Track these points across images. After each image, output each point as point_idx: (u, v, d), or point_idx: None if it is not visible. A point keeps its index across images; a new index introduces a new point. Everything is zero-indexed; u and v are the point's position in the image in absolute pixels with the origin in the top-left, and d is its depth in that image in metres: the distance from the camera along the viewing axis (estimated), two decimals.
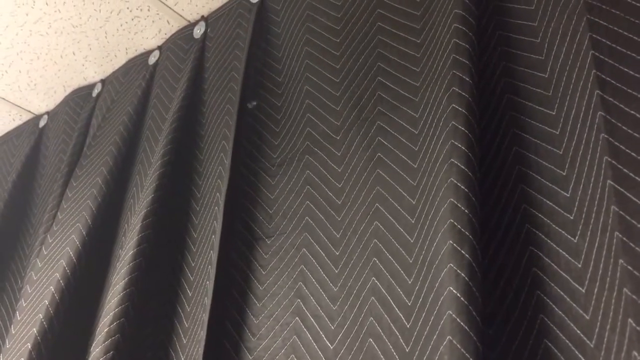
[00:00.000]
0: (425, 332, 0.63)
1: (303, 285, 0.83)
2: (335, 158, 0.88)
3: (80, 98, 1.49)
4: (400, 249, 0.72)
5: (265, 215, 0.94)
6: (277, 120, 1.02)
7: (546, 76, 0.70)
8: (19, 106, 1.59)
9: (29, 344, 0.99)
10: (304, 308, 0.81)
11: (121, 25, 1.30)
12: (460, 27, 0.76)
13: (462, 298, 0.59)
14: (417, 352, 0.63)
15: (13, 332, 1.06)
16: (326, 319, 0.78)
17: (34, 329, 1.00)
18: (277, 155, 0.98)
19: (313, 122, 0.95)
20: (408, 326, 0.66)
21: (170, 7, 1.25)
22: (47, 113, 1.59)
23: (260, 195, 0.97)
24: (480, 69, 0.76)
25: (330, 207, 0.86)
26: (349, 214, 0.83)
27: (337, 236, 0.82)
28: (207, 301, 0.87)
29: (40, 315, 1.01)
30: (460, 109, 0.69)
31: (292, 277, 0.85)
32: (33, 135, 1.56)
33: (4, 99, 1.55)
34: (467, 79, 0.71)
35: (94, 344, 0.91)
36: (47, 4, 1.25)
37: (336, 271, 0.80)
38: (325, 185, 0.88)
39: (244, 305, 0.88)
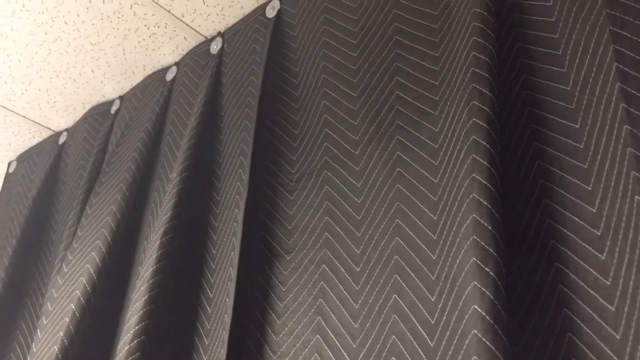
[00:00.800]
0: (450, 352, 0.61)
1: (323, 302, 0.82)
2: (354, 173, 0.88)
3: (99, 115, 1.50)
4: (422, 265, 0.71)
5: (284, 231, 0.94)
6: (295, 136, 1.01)
7: (569, 89, 0.69)
8: (38, 123, 1.60)
9: None
10: (324, 325, 0.80)
11: (139, 43, 1.31)
12: (479, 40, 0.75)
13: (487, 317, 0.57)
14: None
15: (34, 350, 1.07)
16: (347, 337, 0.77)
17: (55, 347, 1.00)
18: (295, 171, 0.98)
19: (331, 137, 0.94)
20: (432, 345, 0.65)
21: (187, 24, 1.26)
22: (67, 130, 1.60)
23: (278, 211, 0.96)
24: (500, 82, 0.75)
25: (350, 222, 0.85)
26: (369, 229, 0.82)
27: (358, 252, 0.82)
28: (227, 319, 0.87)
29: (61, 333, 1.02)
30: (481, 123, 0.69)
31: (312, 294, 0.85)
32: (53, 152, 1.57)
33: (24, 117, 1.57)
34: (488, 93, 0.70)
35: None
36: (66, 22, 1.26)
37: (357, 288, 0.79)
38: (345, 200, 0.87)
39: (264, 323, 0.88)
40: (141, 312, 0.93)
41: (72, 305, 1.04)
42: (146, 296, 0.94)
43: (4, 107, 1.53)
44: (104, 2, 1.21)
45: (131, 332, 0.91)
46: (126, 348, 0.90)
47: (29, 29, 1.28)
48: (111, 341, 1.05)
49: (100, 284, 1.07)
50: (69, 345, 1.01)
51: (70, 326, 1.02)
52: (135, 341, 0.90)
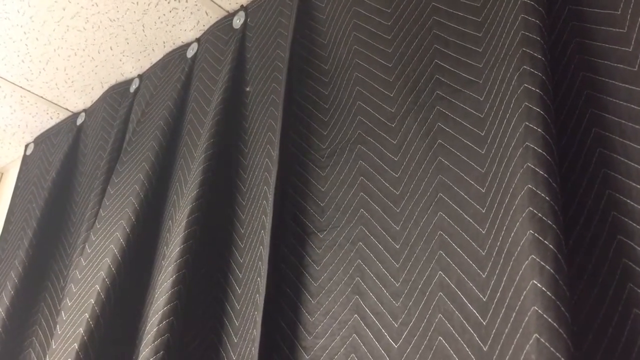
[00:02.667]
0: (506, 330, 0.58)
1: (361, 281, 0.79)
2: (391, 147, 0.84)
3: (118, 94, 1.47)
4: (470, 240, 0.67)
5: (317, 209, 0.90)
6: (325, 110, 0.97)
7: (630, 50, 0.64)
8: (56, 104, 1.58)
9: (75, 344, 0.97)
10: (363, 305, 0.77)
11: (159, 18, 1.28)
12: (528, 1, 0.70)
13: (548, 292, 0.54)
14: (497, 352, 0.58)
15: (59, 332, 1.04)
16: (388, 316, 0.73)
17: (81, 329, 0.98)
18: (326, 146, 0.94)
19: (365, 110, 0.90)
20: (484, 323, 0.61)
21: None
22: (85, 110, 1.57)
23: (310, 188, 0.93)
24: (550, 45, 0.71)
25: (387, 198, 0.81)
26: (408, 205, 0.78)
27: (397, 229, 0.78)
28: (260, 299, 0.84)
29: (87, 315, 0.99)
30: (533, 88, 0.64)
31: (348, 273, 0.81)
32: (71, 133, 1.54)
33: (42, 97, 1.54)
34: (539, 56, 0.66)
35: (143, 344, 0.88)
36: None
37: (397, 265, 0.75)
38: (381, 175, 0.84)
39: (298, 303, 0.84)
40: (169, 292, 0.90)
41: (97, 287, 1.02)
42: (174, 276, 0.91)
43: (21, 87, 1.50)
44: None
45: (159, 312, 0.89)
46: (155, 329, 0.87)
47: (47, 4, 1.24)
48: (137, 322, 1.03)
49: (124, 264, 1.04)
50: (95, 326, 0.98)
51: (96, 307, 0.99)
52: (164, 322, 0.87)
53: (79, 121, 1.56)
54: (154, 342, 0.86)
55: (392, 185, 0.81)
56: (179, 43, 1.35)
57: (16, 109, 1.58)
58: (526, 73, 0.66)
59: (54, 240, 1.39)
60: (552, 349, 0.51)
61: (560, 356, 0.50)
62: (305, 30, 1.07)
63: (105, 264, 1.04)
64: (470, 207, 0.69)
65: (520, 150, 0.62)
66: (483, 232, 0.66)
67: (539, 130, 0.62)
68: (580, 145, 0.66)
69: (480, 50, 0.78)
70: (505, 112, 0.68)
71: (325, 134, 0.95)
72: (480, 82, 0.76)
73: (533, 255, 0.56)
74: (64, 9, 1.25)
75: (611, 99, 0.64)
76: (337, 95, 0.97)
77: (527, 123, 0.63)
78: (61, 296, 1.28)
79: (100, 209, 1.18)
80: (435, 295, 0.69)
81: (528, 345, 0.53)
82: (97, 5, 1.24)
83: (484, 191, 0.69)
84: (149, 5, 1.24)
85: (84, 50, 1.37)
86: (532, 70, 0.65)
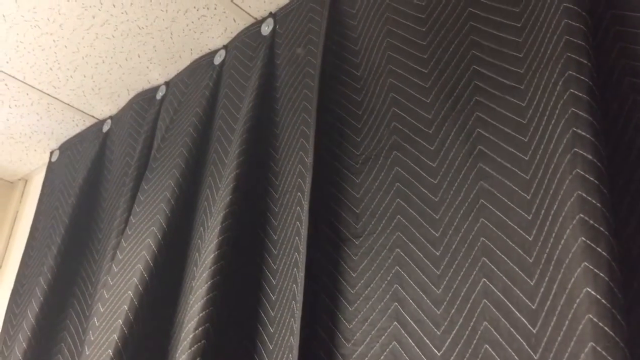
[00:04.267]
0: (559, 338, 0.57)
1: (400, 288, 0.78)
2: (429, 153, 0.83)
3: (144, 101, 1.47)
4: (516, 247, 0.67)
5: (352, 215, 0.90)
6: (359, 116, 0.97)
7: None
8: (82, 111, 1.59)
9: (110, 350, 0.97)
10: (402, 312, 0.76)
11: (187, 25, 1.28)
12: (571, 6, 0.70)
13: (603, 300, 0.53)
14: None
15: (92, 339, 1.05)
16: (430, 323, 0.73)
17: (115, 335, 0.98)
18: (360, 152, 0.94)
19: (400, 116, 0.90)
20: (534, 331, 0.61)
21: (237, 5, 1.23)
22: (110, 117, 1.58)
23: (344, 194, 0.92)
24: (594, 50, 0.70)
25: (426, 204, 0.81)
26: (448, 211, 0.77)
27: (437, 235, 0.77)
28: (297, 306, 0.83)
29: (120, 321, 0.99)
30: (580, 94, 0.64)
31: (386, 280, 0.81)
32: (97, 140, 1.55)
33: (68, 104, 1.55)
34: (585, 62, 0.66)
35: (179, 351, 0.88)
36: (114, 5, 1.23)
37: (438, 272, 0.75)
38: (418, 181, 0.83)
39: (335, 310, 0.84)
40: (205, 299, 0.90)
41: (130, 293, 1.02)
42: (209, 283, 0.91)
43: (49, 95, 1.51)
44: None
45: (195, 319, 0.89)
46: (191, 335, 0.87)
47: (77, 12, 1.25)
48: (170, 328, 1.03)
49: (157, 270, 1.05)
50: (129, 333, 0.98)
51: (129, 314, 1.00)
52: (200, 328, 0.88)
53: (105, 128, 1.57)
54: (190, 348, 0.86)
55: (430, 192, 0.81)
56: (206, 50, 1.36)
57: (42, 116, 1.59)
58: (572, 79, 0.65)
59: (81, 247, 1.40)
60: (609, 357, 0.51)
61: None
62: (336, 36, 1.07)
63: (137, 270, 1.05)
64: (515, 214, 0.69)
65: (569, 156, 0.62)
66: (530, 239, 0.66)
67: (587, 136, 0.61)
68: (627, 151, 0.65)
69: (521, 56, 0.77)
70: (551, 118, 0.68)
71: (359, 140, 0.95)
72: (522, 87, 0.75)
73: (586, 263, 0.55)
74: (93, 17, 1.26)
75: None
76: (370, 101, 0.96)
77: (574, 129, 0.62)
78: (90, 302, 1.29)
79: (131, 216, 1.18)
80: (479, 303, 0.68)
81: (583, 354, 0.53)
82: (126, 14, 1.25)
83: (529, 198, 0.68)
84: (177, 12, 1.25)
85: (112, 57, 1.38)
86: (578, 75, 0.65)
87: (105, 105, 1.55)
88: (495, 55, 0.80)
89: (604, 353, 0.51)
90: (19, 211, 1.87)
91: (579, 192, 0.59)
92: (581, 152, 0.61)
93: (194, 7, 1.23)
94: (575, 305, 0.56)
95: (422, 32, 0.92)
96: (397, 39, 0.96)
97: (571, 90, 0.65)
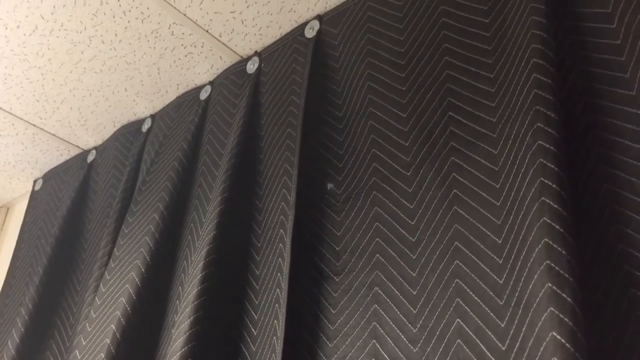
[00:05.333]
0: None
1: (377, 326, 0.81)
2: (407, 195, 0.87)
3: (129, 133, 1.50)
4: (488, 290, 0.70)
5: (332, 253, 0.93)
6: (340, 156, 1.01)
7: (639, 112, 0.68)
8: (67, 141, 1.60)
9: None
10: (380, 350, 0.79)
11: (174, 62, 1.32)
12: (540, 62, 0.74)
13: (567, 345, 0.56)
14: None
15: None
16: None
17: None
18: (341, 191, 0.97)
19: (380, 157, 0.94)
20: None
21: (224, 43, 1.26)
22: (95, 148, 1.60)
23: (326, 232, 0.95)
24: (562, 103, 0.75)
25: (404, 244, 0.84)
26: (425, 252, 0.81)
27: (414, 275, 0.81)
28: (278, 342, 0.86)
29: (102, 355, 1.00)
30: (547, 145, 0.68)
31: (365, 317, 0.83)
32: (82, 170, 1.57)
33: (53, 134, 1.57)
34: (553, 115, 0.70)
35: None
36: (103, 42, 1.26)
37: (414, 312, 0.78)
38: (397, 222, 0.87)
39: (315, 347, 0.86)
40: (187, 334, 0.91)
41: (113, 326, 1.03)
42: (192, 317, 0.93)
43: (34, 125, 1.53)
44: (142, 21, 1.21)
45: (178, 354, 0.90)
46: None
47: (65, 47, 1.28)
48: None
49: (140, 304, 1.06)
50: None
51: (111, 347, 1.01)
52: None
53: (90, 158, 1.58)
54: None
55: (408, 232, 0.84)
56: (192, 85, 1.39)
57: (27, 145, 1.61)
58: (540, 131, 0.70)
59: (63, 277, 1.40)
60: None
61: None
62: (319, 77, 1.11)
63: (120, 303, 1.06)
64: (487, 257, 0.72)
65: (537, 205, 0.66)
66: (500, 282, 0.69)
67: (554, 186, 0.65)
68: (591, 200, 0.69)
69: (493, 105, 0.82)
70: (520, 166, 0.72)
71: (340, 179, 0.99)
72: (495, 135, 0.79)
73: (552, 308, 0.59)
74: (82, 52, 1.29)
75: (622, 157, 0.68)
76: (351, 142, 1.00)
77: (542, 179, 0.66)
78: (70, 333, 1.29)
79: (115, 248, 1.20)
80: (453, 343, 0.71)
81: None
82: (115, 49, 1.28)
83: (500, 242, 0.72)
84: (165, 49, 1.28)
85: (99, 91, 1.41)
86: (546, 128, 0.69)
87: (91, 136, 1.58)
88: (470, 103, 0.85)
89: None
90: (0, 239, 1.87)
91: (546, 240, 0.63)
92: (548, 201, 0.65)
93: (182, 45, 1.27)
94: (542, 348, 0.59)
95: (401, 78, 0.96)
96: (377, 83, 1.00)
97: (539, 142, 0.69)
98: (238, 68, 1.30)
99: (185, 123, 1.33)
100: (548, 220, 0.63)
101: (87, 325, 1.11)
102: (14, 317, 1.42)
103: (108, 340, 1.02)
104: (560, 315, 0.58)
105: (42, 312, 1.35)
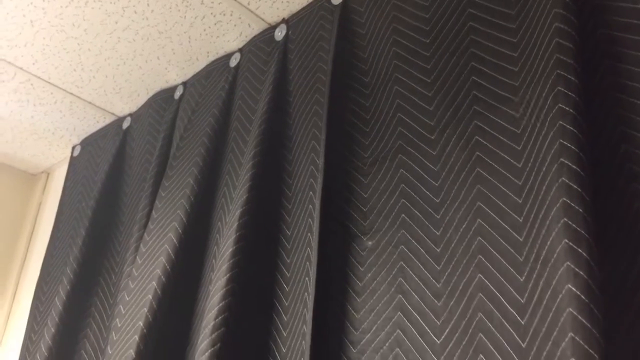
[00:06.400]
0: (544, 329, 0.64)
1: (404, 281, 0.86)
2: (431, 157, 0.90)
3: (162, 100, 1.55)
4: (508, 247, 0.74)
5: (360, 213, 0.97)
6: (367, 121, 1.04)
7: None
8: (103, 109, 1.66)
9: (136, 335, 1.05)
10: (406, 303, 0.84)
11: (204, 30, 1.35)
12: (562, 26, 0.76)
13: (582, 296, 0.60)
14: (535, 348, 0.65)
15: (119, 325, 1.13)
16: (431, 314, 0.80)
17: (140, 322, 1.07)
18: (368, 155, 1.01)
19: (405, 122, 0.97)
20: (523, 322, 0.68)
21: (252, 11, 1.29)
22: (130, 115, 1.66)
23: (353, 194, 1.00)
24: (582, 67, 0.77)
25: (428, 205, 0.88)
26: (448, 212, 0.85)
27: (437, 234, 0.85)
28: (309, 297, 0.91)
29: (145, 309, 1.08)
30: (567, 108, 0.71)
31: (392, 274, 0.88)
32: (117, 136, 1.63)
33: (90, 102, 1.63)
34: (573, 79, 0.72)
35: (200, 337, 0.96)
36: (135, 12, 1.30)
37: (438, 268, 0.82)
38: (422, 183, 0.90)
39: (344, 301, 0.92)
40: (224, 289, 0.98)
41: (154, 283, 1.10)
42: (227, 275, 0.99)
43: (72, 94, 1.59)
44: None
45: (215, 309, 0.97)
46: (212, 323, 0.95)
47: (100, 18, 1.32)
48: (191, 316, 1.11)
49: (178, 263, 1.13)
50: (153, 320, 1.07)
51: (153, 302, 1.08)
52: (220, 317, 0.95)
53: (125, 125, 1.64)
54: (211, 335, 0.94)
55: (432, 193, 0.88)
56: (222, 53, 1.43)
57: (65, 113, 1.67)
58: (561, 94, 0.72)
59: (105, 238, 1.48)
60: (586, 346, 0.58)
61: (593, 353, 0.57)
62: (345, 44, 1.13)
63: (160, 262, 1.13)
64: (508, 216, 0.76)
65: (556, 165, 0.69)
66: (520, 239, 0.73)
67: (572, 147, 0.68)
68: (610, 160, 0.72)
69: (516, 70, 0.84)
70: (541, 129, 0.75)
71: (367, 143, 1.02)
72: (517, 99, 0.82)
73: (568, 262, 0.63)
74: (116, 22, 1.34)
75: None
76: (377, 107, 1.03)
77: (561, 141, 0.69)
78: (114, 291, 1.38)
79: (153, 211, 1.26)
80: (475, 296, 0.76)
81: (564, 343, 0.60)
82: (147, 19, 1.32)
83: (520, 202, 0.75)
84: (195, 18, 1.32)
85: (132, 59, 1.45)
86: (566, 91, 0.72)
87: (125, 103, 1.63)
88: (493, 68, 0.87)
89: (581, 342, 0.58)
90: (42, 202, 1.96)
91: (564, 199, 0.66)
92: (567, 162, 0.68)
93: (211, 14, 1.30)
94: (559, 299, 0.63)
95: (425, 44, 0.99)
96: (402, 48, 1.02)
97: (560, 105, 0.71)
98: (266, 35, 1.33)
99: (216, 90, 1.37)
100: (566, 180, 0.67)
101: (130, 282, 1.18)
102: (59, 275, 1.51)
103: (150, 296, 1.09)
104: (576, 269, 0.62)
105: (86, 271, 1.44)
